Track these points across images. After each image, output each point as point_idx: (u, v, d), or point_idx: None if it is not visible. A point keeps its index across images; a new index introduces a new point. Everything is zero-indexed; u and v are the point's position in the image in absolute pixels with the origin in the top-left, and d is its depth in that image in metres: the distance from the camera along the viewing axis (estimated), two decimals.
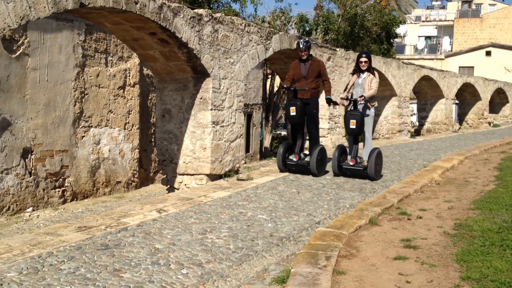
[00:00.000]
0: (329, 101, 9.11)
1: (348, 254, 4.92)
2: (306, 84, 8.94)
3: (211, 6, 20.10)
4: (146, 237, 5.27)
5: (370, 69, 9.07)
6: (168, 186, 9.59)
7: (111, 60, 13.55)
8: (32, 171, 11.28)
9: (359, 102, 8.82)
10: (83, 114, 12.71)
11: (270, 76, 23.67)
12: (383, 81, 17.20)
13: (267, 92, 23.49)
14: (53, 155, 11.87)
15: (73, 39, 12.45)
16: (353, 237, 5.51)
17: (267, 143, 23.43)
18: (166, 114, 9.46)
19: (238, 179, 8.71)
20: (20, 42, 11.13)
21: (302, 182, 8.51)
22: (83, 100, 12.72)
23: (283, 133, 25.39)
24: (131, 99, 14.19)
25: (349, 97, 9.04)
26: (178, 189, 9.24)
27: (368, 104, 8.89)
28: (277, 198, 7.25)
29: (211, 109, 9.09)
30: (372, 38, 25.01)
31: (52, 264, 4.44)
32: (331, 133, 14.12)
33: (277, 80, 23.74)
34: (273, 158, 16.19)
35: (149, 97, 15.31)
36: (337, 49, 14.64)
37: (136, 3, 7.41)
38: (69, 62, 12.31)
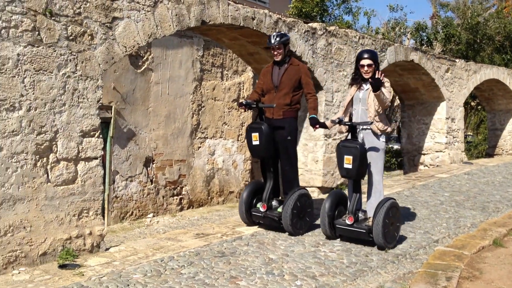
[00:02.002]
0: (315, 123, 5.86)
1: (470, 276, 4.67)
2: (277, 99, 5.99)
3: (323, 19, 20.15)
4: (260, 247, 5.38)
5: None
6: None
7: (227, 74, 14.05)
8: (153, 179, 11.96)
9: (363, 126, 5.63)
10: (200, 126, 13.27)
11: None
12: (508, 93, 16.14)
13: None
14: (172, 164, 12.50)
15: (192, 54, 13.08)
16: (475, 258, 5.22)
17: None
18: None
19: None
20: (144, 58, 11.89)
21: (418, 199, 8.20)
22: (200, 112, 13.29)
23: (395, 146, 24.65)
24: (244, 111, 14.58)
25: (343, 119, 5.67)
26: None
27: (376, 127, 5.59)
28: None
29: None
30: (495, 47, 23.59)
31: (174, 268, 4.67)
32: (449, 147, 13.49)
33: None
34: (385, 173, 15.77)
35: None
36: (457, 60, 14.00)
37: (253, 19, 7.64)
38: (188, 76, 12.93)
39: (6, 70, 4.80)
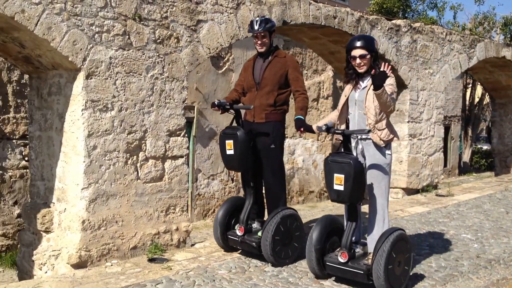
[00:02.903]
0: (301, 125, 4.71)
1: None
2: (259, 98, 4.98)
3: (406, 15, 19.59)
4: None
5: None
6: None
7: (306, 73, 14.00)
8: (234, 178, 12.16)
9: (361, 136, 4.37)
10: None
11: (470, 86, 22.18)
12: None
13: (467, 103, 22.04)
14: None
15: None
16: None
17: (466, 157, 21.95)
18: None
19: (437, 195, 8.32)
20: (225, 58, 12.11)
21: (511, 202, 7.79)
22: None
23: (485, 147, 23.52)
24: (324, 111, 14.48)
25: (331, 126, 4.44)
26: None
27: (377, 136, 4.31)
28: (482, 217, 6.75)
29: (408, 122, 8.84)
30: None
31: (257, 265, 4.73)
32: None
33: (478, 90, 22.11)
34: (474, 174, 15.14)
35: None
36: None
37: (335, 17, 7.57)
38: None
39: (99, 73, 5.06)
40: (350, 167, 4.02)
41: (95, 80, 5.02)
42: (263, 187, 5.10)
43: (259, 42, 5.05)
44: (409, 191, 8.89)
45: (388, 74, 4.04)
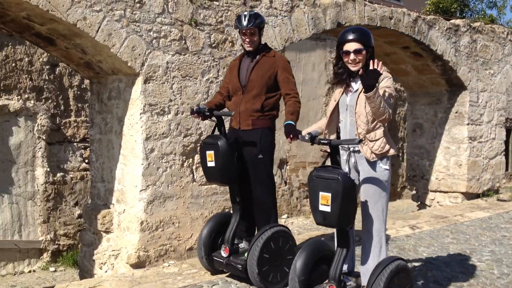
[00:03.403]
0: (290, 131, 4.01)
1: None
2: (245, 103, 4.41)
3: (463, 14, 19.05)
4: (401, 253, 5.21)
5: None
6: (419, 202, 9.32)
7: None
8: (287, 181, 12.14)
9: (353, 147, 3.72)
10: None
11: None
12: None
13: None
14: (306, 167, 12.59)
15: (325, 56, 13.06)
16: None
17: None
18: (417, 128, 9.25)
19: (498, 200, 8.04)
20: None
21: None
22: None
23: None
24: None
25: (317, 135, 3.69)
26: (429, 206, 8.92)
27: (369, 149, 3.64)
28: None
29: (468, 124, 8.58)
30: None
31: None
32: None
33: None
34: None
35: (397, 111, 15.16)
36: None
37: (391, 18, 7.45)
38: (321, 79, 12.94)
39: (157, 77, 5.18)
40: (338, 184, 3.32)
41: (153, 84, 5.14)
42: (253, 202, 4.50)
43: (247, 39, 4.42)
44: (469, 196, 8.61)
45: (381, 73, 3.37)
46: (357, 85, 3.64)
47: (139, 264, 4.98)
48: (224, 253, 4.35)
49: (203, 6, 5.47)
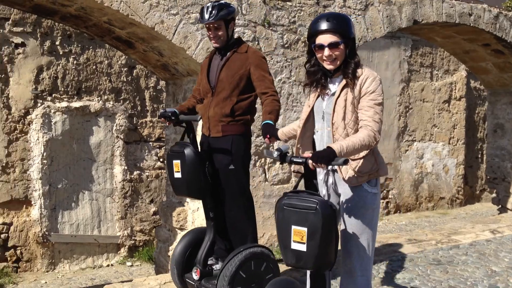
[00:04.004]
0: (267, 131, 3.49)
1: None
2: (214, 106, 3.88)
3: None
4: (481, 258, 5.01)
5: (351, 66, 2.83)
6: (500, 206, 8.90)
7: (437, 74, 13.39)
8: None
9: (326, 168, 2.88)
10: (407, 128, 12.87)
11: None
12: None
13: None
14: None
15: (400, 55, 12.76)
16: None
17: None
18: (498, 129, 8.84)
19: None
20: None
21: None
22: (407, 114, 12.89)
23: None
24: (457, 113, 13.74)
25: (287, 150, 2.82)
26: (511, 209, 8.50)
27: (351, 169, 2.85)
28: None
29: None
30: None
31: (387, 272, 4.61)
32: None
33: None
34: None
35: (476, 111, 14.56)
36: None
37: (470, 15, 7.16)
38: (395, 78, 12.65)
39: None
40: (316, 216, 2.56)
41: None
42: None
43: (211, 35, 3.85)
44: None
45: (337, 156, 2.56)
46: (335, 87, 2.87)
47: None
48: (195, 276, 3.83)
49: (276, 7, 5.49)
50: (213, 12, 3.76)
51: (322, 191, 2.96)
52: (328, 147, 2.57)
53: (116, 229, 8.68)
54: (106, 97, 8.56)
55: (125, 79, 8.78)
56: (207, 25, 3.83)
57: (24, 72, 7.85)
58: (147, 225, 8.99)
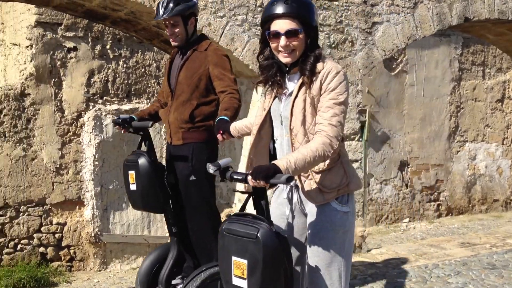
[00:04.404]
0: (220, 127, 3.04)
1: None
2: (174, 111, 3.59)
3: None
4: None
5: (309, 60, 2.34)
6: None
7: (489, 72, 12.99)
8: (409, 183, 11.73)
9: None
10: (459, 129, 12.54)
11: None
12: None
13: None
14: (429, 169, 12.07)
15: (450, 53, 12.44)
16: None
17: None
18: None
19: None
20: (399, 60, 11.75)
21: None
22: (459, 114, 12.55)
23: None
24: (510, 112, 13.27)
25: (224, 166, 2.34)
26: None
27: (312, 183, 2.38)
28: None
29: None
30: None
31: (439, 276, 4.50)
32: None
33: None
34: None
35: None
36: None
37: None
38: (445, 77, 12.35)
39: None
40: (256, 247, 2.10)
41: None
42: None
43: (168, 32, 3.56)
44: None
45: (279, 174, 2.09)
46: (293, 85, 2.39)
47: None
48: None
49: (322, 6, 5.45)
50: (169, 7, 3.44)
51: (286, 211, 2.49)
52: (273, 163, 2.11)
53: (165, 230, 8.80)
54: (154, 99, 8.71)
55: None
56: (164, 22, 3.54)
57: (76, 75, 8.08)
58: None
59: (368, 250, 5.45)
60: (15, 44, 7.98)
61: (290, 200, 2.50)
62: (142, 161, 3.46)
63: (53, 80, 7.73)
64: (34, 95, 7.37)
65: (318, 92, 2.31)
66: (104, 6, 4.95)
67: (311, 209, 2.42)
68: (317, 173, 2.36)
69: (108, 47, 8.32)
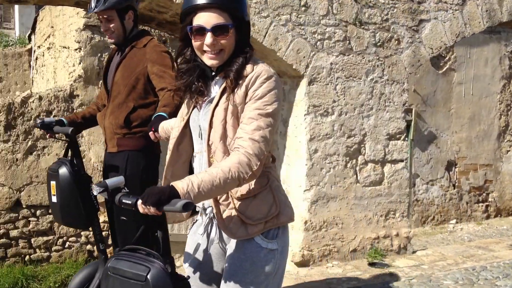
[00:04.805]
0: (153, 124, 2.68)
1: None
2: (109, 114, 3.29)
3: None
4: None
5: (237, 62, 1.92)
6: None
7: None
8: (456, 184, 11.46)
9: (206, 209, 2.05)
10: (509, 128, 12.16)
11: None
12: None
13: None
14: (477, 169, 11.76)
15: (500, 50, 12.08)
16: None
17: None
18: None
19: None
20: (446, 58, 11.49)
21: None
22: (509, 113, 12.18)
23: None
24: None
25: (122, 185, 1.91)
26: None
27: (232, 210, 1.93)
28: None
29: None
30: None
31: (487, 278, 4.39)
32: None
33: None
34: None
35: None
36: None
37: None
38: (494, 75, 12.00)
39: (320, 79, 5.23)
40: None
41: (317, 86, 5.20)
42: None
43: (102, 28, 3.26)
44: None
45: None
46: (215, 91, 1.98)
47: (303, 263, 5.07)
48: None
49: (368, 5, 5.40)
50: (100, 1, 3.10)
51: (202, 244, 2.05)
52: (171, 185, 1.68)
53: None
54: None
55: None
56: (97, 17, 3.25)
57: None
58: None
59: (414, 252, 5.36)
60: (64, 47, 8.25)
61: (207, 232, 2.02)
62: (63, 170, 3.05)
63: (101, 81, 7.91)
64: (83, 96, 7.57)
65: (242, 99, 1.88)
66: (150, 8, 5.05)
67: (231, 244, 1.97)
68: (239, 200, 1.91)
69: None
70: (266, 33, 4.99)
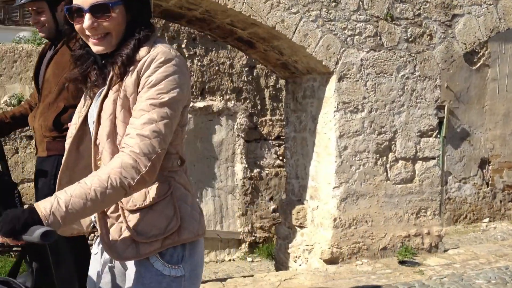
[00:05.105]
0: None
1: None
2: (39, 115, 2.98)
3: None
4: None
5: (128, 46, 1.59)
6: None
7: None
8: (489, 182, 11.23)
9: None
10: None
11: None
12: None
13: None
14: (511, 167, 11.51)
15: None
16: None
17: None
18: None
19: None
20: (480, 53, 11.26)
21: None
22: None
23: None
24: None
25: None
26: None
27: (122, 228, 1.58)
28: None
29: None
30: None
31: None
32: None
33: None
34: None
35: None
36: None
37: None
38: None
39: (350, 75, 5.17)
40: None
41: (347, 82, 5.15)
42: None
43: (31, 21, 3.00)
44: None
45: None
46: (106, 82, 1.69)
47: (332, 260, 5.04)
48: None
49: (399, 0, 5.32)
50: None
51: (97, 268, 1.75)
52: (31, 208, 1.38)
53: (237, 226, 8.94)
54: (227, 96, 8.84)
55: (245, 79, 9.01)
56: (27, 9, 2.99)
57: None
58: (267, 222, 9.15)
59: (445, 250, 5.27)
60: None
61: (102, 256, 1.71)
62: None
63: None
64: None
65: (134, 88, 1.57)
66: (180, 5, 5.08)
67: (130, 270, 1.63)
68: (132, 212, 1.58)
69: (183, 46, 8.54)
70: (296, 29, 4.96)
